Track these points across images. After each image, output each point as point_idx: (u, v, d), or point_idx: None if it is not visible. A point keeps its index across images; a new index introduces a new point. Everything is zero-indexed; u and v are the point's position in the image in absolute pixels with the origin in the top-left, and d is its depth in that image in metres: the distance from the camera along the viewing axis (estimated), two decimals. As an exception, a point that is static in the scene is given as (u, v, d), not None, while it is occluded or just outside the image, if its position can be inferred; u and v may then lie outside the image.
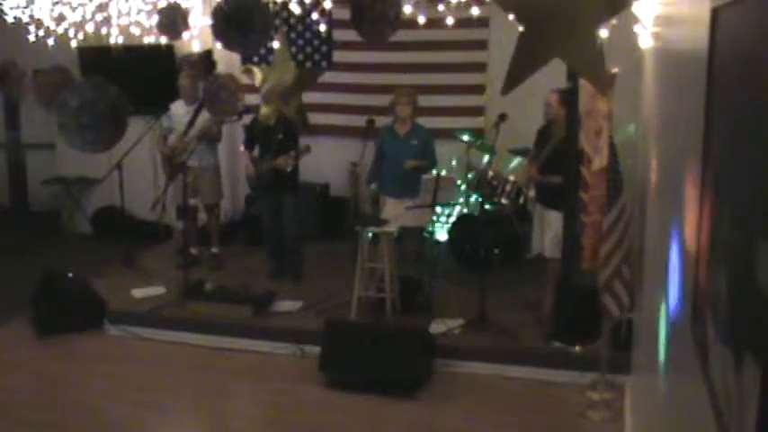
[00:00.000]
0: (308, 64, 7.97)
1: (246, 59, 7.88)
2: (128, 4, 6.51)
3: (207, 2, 6.62)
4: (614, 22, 3.94)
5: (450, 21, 6.00)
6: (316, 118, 7.97)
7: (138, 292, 6.37)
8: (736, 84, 1.48)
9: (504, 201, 5.98)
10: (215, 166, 7.15)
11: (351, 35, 6.31)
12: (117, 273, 6.92)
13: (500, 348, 5.34)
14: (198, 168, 6.87)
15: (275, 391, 5.16)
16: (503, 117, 6.43)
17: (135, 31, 6.73)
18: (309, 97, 7.89)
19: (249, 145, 6.70)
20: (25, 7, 6.65)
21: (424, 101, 6.62)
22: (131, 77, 7.45)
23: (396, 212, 6.08)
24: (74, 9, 6.54)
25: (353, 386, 5.02)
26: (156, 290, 6.42)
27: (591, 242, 4.57)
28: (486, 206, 6.16)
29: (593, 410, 4.68)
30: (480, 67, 7.54)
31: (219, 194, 7.28)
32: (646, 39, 4.20)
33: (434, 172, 6.07)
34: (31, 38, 6.91)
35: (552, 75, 2.82)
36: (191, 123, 6.76)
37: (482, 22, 6.57)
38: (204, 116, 6.73)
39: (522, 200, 5.97)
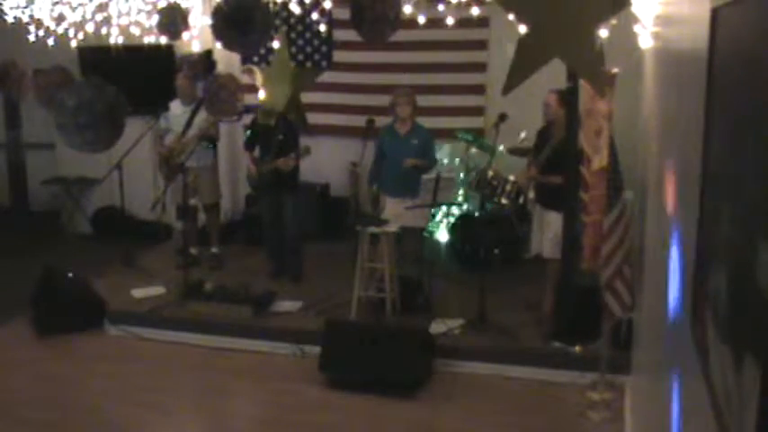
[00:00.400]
0: (308, 64, 7.97)
1: (246, 59, 7.88)
2: (128, 4, 6.50)
3: (207, 2, 6.62)
4: (614, 22, 3.95)
5: (450, 21, 6.00)
6: (316, 118, 7.95)
7: (138, 292, 6.37)
8: (736, 84, 1.48)
9: (504, 201, 5.99)
10: (213, 166, 7.15)
11: (351, 35, 6.31)
12: (117, 273, 6.92)
13: (500, 348, 5.34)
14: (196, 168, 6.87)
15: (275, 391, 5.16)
16: (503, 117, 6.43)
17: (135, 31, 6.73)
18: (309, 97, 7.88)
19: (250, 145, 6.70)
20: (25, 7, 6.65)
21: (424, 101, 6.62)
22: (131, 77, 7.44)
23: (396, 212, 6.08)
24: (74, 9, 6.54)
25: (353, 386, 5.02)
26: (156, 290, 6.42)
27: (591, 242, 4.57)
28: (486, 206, 6.16)
29: (593, 410, 4.67)
30: (480, 67, 7.54)
31: (218, 194, 7.28)
32: (646, 39, 4.20)
33: (434, 172, 6.07)
34: (31, 38, 6.91)
35: (552, 75, 2.83)
36: (188, 124, 6.77)
37: (482, 22, 6.57)
38: (201, 116, 6.74)
39: (521, 200, 5.97)
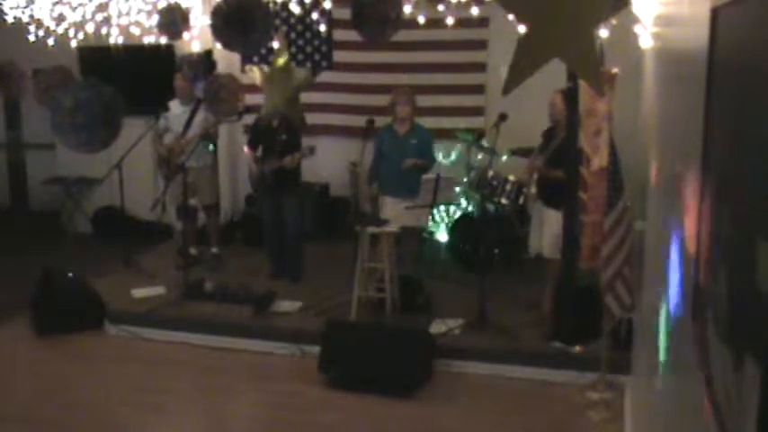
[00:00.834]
0: (308, 64, 7.98)
1: (246, 59, 7.88)
2: (128, 4, 6.50)
3: (207, 2, 6.62)
4: (614, 22, 3.95)
5: (450, 21, 6.01)
6: (316, 118, 7.97)
7: (138, 292, 6.37)
8: (736, 84, 1.48)
9: (504, 201, 5.98)
10: (213, 167, 7.15)
11: (351, 35, 6.32)
12: (117, 273, 6.92)
13: (500, 348, 5.34)
14: (196, 169, 6.87)
15: (275, 391, 5.15)
16: (503, 117, 6.42)
17: (135, 31, 6.73)
18: (309, 97, 7.89)
19: (252, 145, 6.70)
20: (25, 7, 6.65)
21: (424, 101, 6.61)
22: (131, 77, 7.47)
23: (395, 212, 6.08)
24: (74, 9, 6.54)
25: (353, 386, 5.02)
26: (156, 290, 6.42)
27: (589, 242, 4.57)
28: (487, 206, 6.16)
29: (593, 410, 4.67)
30: (480, 67, 7.54)
31: (217, 195, 7.29)
32: (646, 39, 4.20)
33: (434, 172, 6.07)
34: (31, 38, 6.91)
35: (552, 75, 2.82)
36: (188, 124, 6.77)
37: (482, 22, 6.58)
38: (201, 116, 6.74)
39: (521, 200, 5.97)
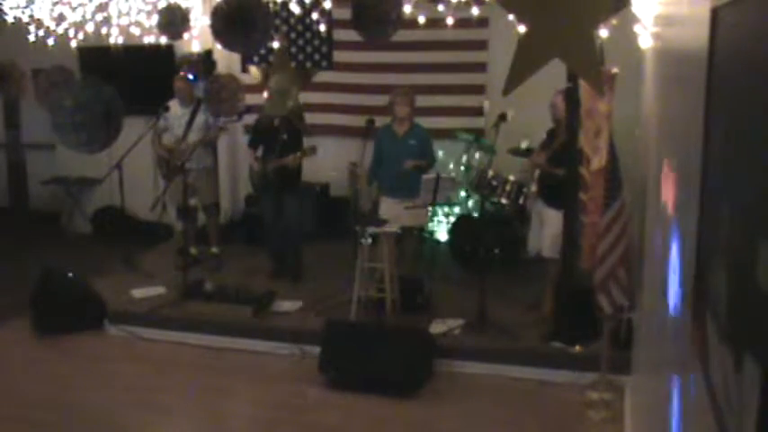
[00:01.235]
0: (308, 64, 7.98)
1: (247, 59, 7.88)
2: (128, 4, 6.51)
3: (207, 2, 6.62)
4: (614, 22, 3.95)
5: (450, 21, 6.00)
6: (316, 118, 7.97)
7: (138, 292, 6.37)
8: (736, 84, 1.48)
9: (504, 201, 5.99)
10: (213, 168, 7.16)
11: (351, 35, 6.31)
12: (117, 273, 6.93)
13: (500, 348, 5.34)
14: (196, 170, 6.87)
15: (275, 391, 5.16)
16: (503, 117, 6.42)
17: (135, 31, 6.73)
18: (309, 97, 7.89)
19: (254, 144, 6.71)
20: (25, 7, 6.65)
21: (424, 101, 6.61)
22: (131, 77, 7.46)
23: (393, 212, 6.08)
24: (74, 9, 6.55)
25: (353, 386, 5.02)
26: (156, 290, 6.42)
27: (589, 242, 4.57)
28: (487, 206, 6.16)
29: (593, 410, 4.67)
30: (480, 67, 7.54)
31: (217, 195, 7.29)
32: (646, 39, 4.20)
33: (434, 172, 6.06)
34: (31, 38, 6.91)
35: (552, 75, 2.82)
36: (188, 125, 6.77)
37: (482, 22, 6.58)
38: (201, 117, 6.75)
39: (521, 200, 5.97)
